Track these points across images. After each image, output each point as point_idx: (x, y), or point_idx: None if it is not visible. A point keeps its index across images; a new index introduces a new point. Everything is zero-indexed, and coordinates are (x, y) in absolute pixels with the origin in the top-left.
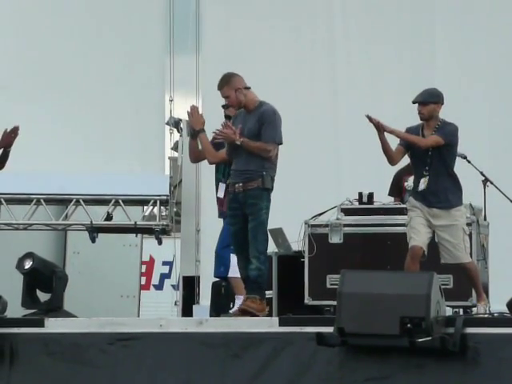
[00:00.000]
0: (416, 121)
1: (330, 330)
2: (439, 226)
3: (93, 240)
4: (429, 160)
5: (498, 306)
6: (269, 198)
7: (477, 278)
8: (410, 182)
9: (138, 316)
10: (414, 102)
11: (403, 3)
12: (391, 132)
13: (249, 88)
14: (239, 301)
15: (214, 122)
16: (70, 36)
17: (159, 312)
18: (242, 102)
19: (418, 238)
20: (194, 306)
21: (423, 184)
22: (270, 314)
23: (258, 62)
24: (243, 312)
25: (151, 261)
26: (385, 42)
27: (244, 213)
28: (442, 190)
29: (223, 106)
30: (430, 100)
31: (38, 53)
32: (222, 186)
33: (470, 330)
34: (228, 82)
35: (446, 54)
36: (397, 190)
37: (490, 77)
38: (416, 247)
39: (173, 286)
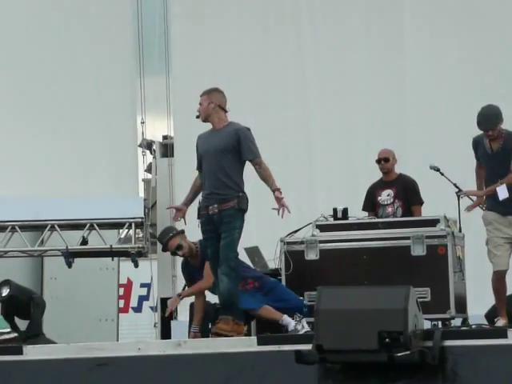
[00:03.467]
0: (389, 123)
1: (308, 347)
2: None
3: (69, 265)
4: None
5: (476, 318)
6: (243, 219)
7: None
8: (383, 197)
9: (118, 339)
10: (484, 130)
11: None
12: (487, 193)
13: (225, 110)
14: (285, 321)
15: (185, 141)
16: (40, 59)
17: (139, 334)
18: (209, 115)
19: (498, 262)
20: (171, 322)
21: (503, 193)
22: (248, 334)
23: (228, 80)
24: (216, 335)
25: (129, 283)
26: (356, 49)
27: (217, 235)
28: None
29: (197, 117)
30: (498, 122)
31: (7, 78)
32: None
33: (449, 343)
34: (209, 93)
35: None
36: (370, 204)
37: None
38: (498, 272)
39: (151, 307)
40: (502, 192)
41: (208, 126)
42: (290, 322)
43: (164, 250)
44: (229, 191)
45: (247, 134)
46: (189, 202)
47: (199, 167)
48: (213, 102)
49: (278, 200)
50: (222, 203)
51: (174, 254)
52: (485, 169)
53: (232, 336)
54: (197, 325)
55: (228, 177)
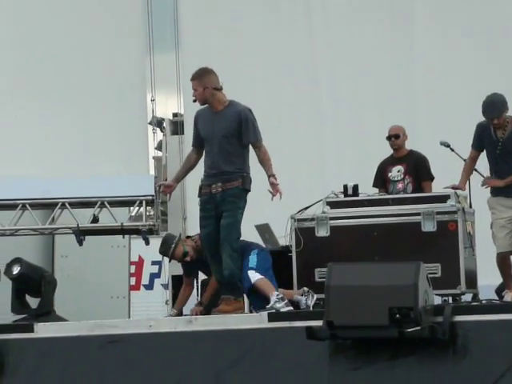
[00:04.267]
0: (399, 100)
1: (319, 323)
2: None
3: (80, 243)
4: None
5: (486, 292)
6: (246, 199)
7: None
8: (393, 173)
9: (129, 317)
10: (489, 118)
11: None
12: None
13: (220, 89)
14: (274, 297)
15: None
16: (49, 37)
17: (150, 312)
18: (206, 100)
19: (499, 244)
20: None
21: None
22: None
23: (238, 58)
24: None
25: (140, 261)
26: (366, 30)
27: (217, 214)
28: None
29: (194, 101)
30: (503, 110)
31: (19, 57)
32: None
33: (459, 318)
34: (200, 77)
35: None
36: (381, 181)
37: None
38: (501, 254)
39: (163, 285)
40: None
41: None
42: (272, 298)
43: (170, 260)
44: (233, 172)
45: (249, 115)
46: (180, 178)
47: (196, 144)
48: (208, 87)
49: (274, 186)
50: (227, 182)
51: (182, 261)
52: (488, 156)
53: None
54: (203, 301)
55: (232, 161)
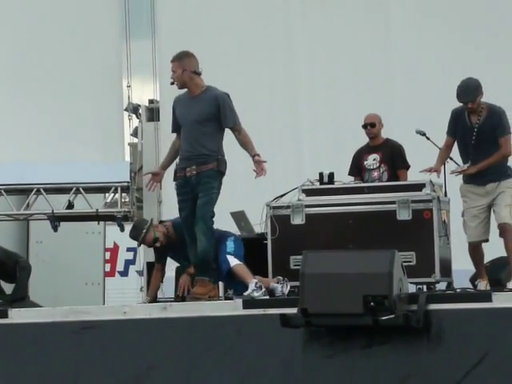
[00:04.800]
0: (376, 88)
1: (294, 311)
2: (492, 199)
3: (55, 229)
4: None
5: (460, 278)
6: (221, 181)
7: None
8: (369, 161)
9: (104, 303)
10: (463, 102)
11: None
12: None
13: (199, 74)
14: (252, 284)
15: (171, 105)
16: (25, 24)
17: (125, 298)
18: (185, 83)
19: (470, 233)
20: None
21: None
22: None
23: (214, 43)
24: (193, 300)
25: (115, 247)
26: (343, 17)
27: (193, 197)
28: (492, 168)
29: (171, 83)
30: (477, 94)
31: None
32: None
33: (433, 307)
34: (180, 59)
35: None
36: (356, 169)
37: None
38: (472, 243)
39: (138, 271)
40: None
41: None
42: (250, 286)
43: (140, 245)
44: (208, 155)
45: (226, 100)
46: (166, 165)
47: (175, 130)
48: (186, 70)
49: (259, 163)
50: (202, 165)
51: (153, 246)
52: (462, 143)
53: (208, 300)
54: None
55: (207, 144)
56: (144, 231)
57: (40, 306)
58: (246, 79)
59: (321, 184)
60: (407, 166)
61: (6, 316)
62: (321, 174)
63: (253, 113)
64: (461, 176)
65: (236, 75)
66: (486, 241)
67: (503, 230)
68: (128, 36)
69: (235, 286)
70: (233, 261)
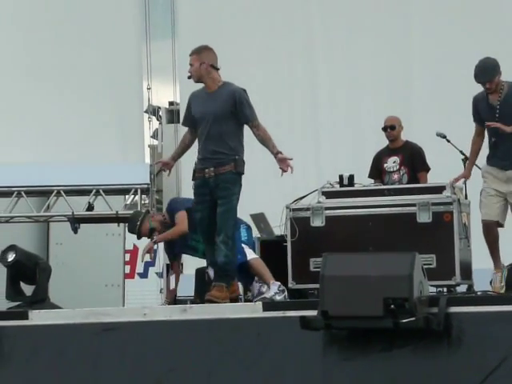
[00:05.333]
0: (396, 90)
1: (313, 313)
2: (511, 192)
3: (75, 231)
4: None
5: (480, 277)
6: (241, 183)
7: None
8: (389, 164)
9: (123, 305)
10: (481, 82)
11: None
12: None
13: (217, 68)
14: (276, 287)
15: None
16: (46, 25)
17: (145, 300)
18: (201, 76)
19: (485, 211)
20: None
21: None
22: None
23: (235, 46)
24: (209, 302)
25: (135, 249)
26: (363, 18)
27: (212, 199)
28: None
29: (188, 77)
30: (495, 74)
31: (13, 43)
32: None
33: (454, 309)
34: (199, 53)
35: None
36: (377, 171)
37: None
38: (485, 222)
39: (157, 273)
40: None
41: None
42: (273, 288)
43: (139, 237)
44: (225, 155)
45: (243, 96)
46: (176, 156)
47: (186, 123)
48: (204, 63)
49: (284, 161)
50: (219, 166)
51: (150, 237)
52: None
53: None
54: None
55: (225, 142)
56: (138, 223)
57: (60, 308)
58: (265, 80)
59: (341, 186)
60: (427, 169)
61: (26, 317)
62: (341, 177)
63: (272, 114)
64: (481, 179)
65: (255, 76)
66: (501, 226)
67: None
68: (148, 38)
69: (244, 278)
70: (250, 253)
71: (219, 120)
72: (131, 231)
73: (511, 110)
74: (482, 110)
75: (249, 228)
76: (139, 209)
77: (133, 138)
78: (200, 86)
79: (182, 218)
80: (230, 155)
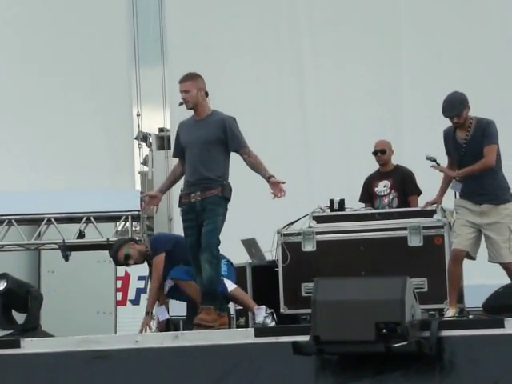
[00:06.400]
0: (386, 114)
1: (306, 338)
2: (485, 224)
3: (66, 258)
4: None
5: (472, 301)
6: (226, 207)
7: None
8: (380, 188)
9: (116, 332)
10: (448, 117)
11: None
12: (458, 175)
13: (207, 95)
14: (263, 311)
15: None
16: (35, 52)
17: (137, 327)
18: (197, 103)
19: (458, 241)
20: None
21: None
22: (246, 325)
23: (224, 72)
24: (198, 326)
25: (126, 276)
26: (350, 32)
27: (198, 223)
28: (490, 187)
29: (180, 104)
30: (463, 108)
31: (3, 72)
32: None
33: (446, 333)
34: (194, 79)
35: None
36: (367, 195)
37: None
38: (455, 250)
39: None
40: (456, 188)
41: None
42: (260, 313)
43: (116, 263)
44: (213, 180)
45: (233, 123)
46: (164, 189)
47: (177, 155)
48: (201, 89)
49: (277, 185)
50: (206, 191)
51: (126, 265)
52: (455, 160)
53: (214, 327)
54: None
55: (213, 168)
56: (117, 246)
57: (52, 336)
58: (255, 103)
59: (331, 211)
60: (419, 192)
61: (18, 346)
62: (331, 201)
63: (263, 139)
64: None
65: (244, 99)
66: (472, 258)
67: (506, 268)
68: (137, 64)
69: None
70: (230, 285)
71: (208, 146)
72: (110, 256)
73: (477, 148)
74: (450, 145)
75: (231, 264)
76: (130, 236)
77: (123, 165)
78: (189, 113)
79: (156, 263)
80: (218, 181)
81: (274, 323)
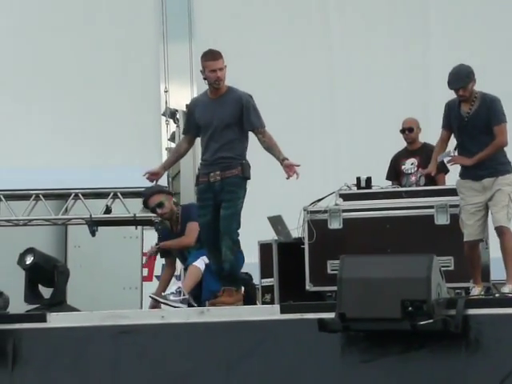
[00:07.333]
0: (414, 92)
1: (331, 315)
2: (488, 198)
3: (93, 234)
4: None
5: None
6: (246, 188)
7: (510, 249)
8: (407, 166)
9: (141, 307)
10: (454, 89)
11: None
12: (474, 162)
13: None
14: (175, 287)
15: None
16: (63, 29)
17: None
18: (223, 81)
19: (468, 232)
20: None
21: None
22: (271, 302)
23: (252, 47)
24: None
25: None
26: (379, 18)
27: (216, 203)
28: (489, 163)
29: (217, 82)
30: (469, 81)
31: (32, 49)
32: None
33: (472, 312)
34: (222, 57)
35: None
36: (394, 173)
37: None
38: (469, 242)
39: (175, 276)
40: (443, 157)
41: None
42: (172, 288)
43: (144, 205)
44: (232, 159)
45: (251, 102)
46: (168, 166)
47: (188, 131)
48: (225, 66)
49: (291, 167)
50: (226, 170)
51: (153, 211)
52: (457, 135)
53: None
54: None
55: (233, 147)
56: (155, 190)
57: (78, 311)
58: (284, 81)
59: (358, 188)
60: (446, 171)
61: (44, 320)
62: (358, 179)
63: (290, 116)
64: (451, 164)
65: (273, 76)
66: (482, 241)
67: (499, 233)
68: (165, 40)
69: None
70: (199, 262)
71: (227, 125)
72: (143, 195)
73: (480, 123)
74: (453, 119)
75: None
76: None
77: (150, 141)
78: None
79: (192, 229)
80: (237, 160)
81: (178, 303)
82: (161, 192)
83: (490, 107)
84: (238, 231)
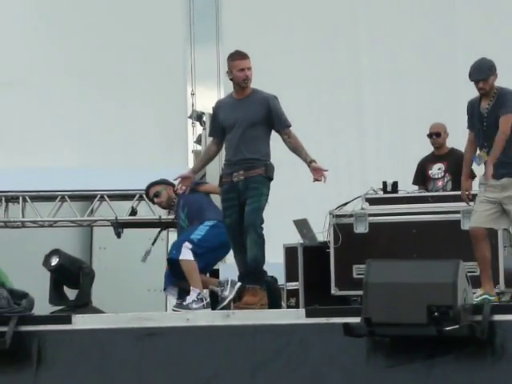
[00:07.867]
0: (441, 97)
1: (357, 320)
2: (505, 197)
3: (118, 235)
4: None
5: None
6: (269, 188)
7: None
8: (434, 171)
9: (166, 310)
10: (474, 81)
11: None
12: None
13: None
14: (195, 294)
15: None
16: (90, 30)
17: None
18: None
19: (473, 218)
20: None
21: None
22: (296, 306)
23: (278, 52)
24: (243, 308)
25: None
26: (406, 19)
27: (240, 203)
28: (507, 160)
29: (246, 81)
30: (490, 74)
31: (58, 48)
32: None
33: (498, 317)
34: (249, 58)
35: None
36: (421, 178)
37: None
38: (470, 229)
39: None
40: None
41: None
42: (192, 295)
43: (147, 197)
44: (257, 160)
45: (277, 103)
46: (197, 169)
47: (214, 133)
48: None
49: (318, 171)
50: (249, 170)
51: (152, 201)
52: (476, 133)
53: (260, 308)
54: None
55: (257, 147)
56: (154, 182)
57: (103, 313)
58: (310, 83)
59: (384, 193)
60: (473, 176)
61: (69, 322)
62: (384, 183)
63: (317, 120)
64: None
65: (300, 79)
66: (485, 231)
67: None
68: (192, 42)
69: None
70: (185, 254)
71: (252, 125)
72: (146, 187)
73: (497, 120)
74: (474, 116)
75: (215, 227)
76: None
77: (176, 144)
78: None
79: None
80: (262, 160)
81: (203, 309)
82: (160, 183)
83: (501, 101)
84: (262, 226)
